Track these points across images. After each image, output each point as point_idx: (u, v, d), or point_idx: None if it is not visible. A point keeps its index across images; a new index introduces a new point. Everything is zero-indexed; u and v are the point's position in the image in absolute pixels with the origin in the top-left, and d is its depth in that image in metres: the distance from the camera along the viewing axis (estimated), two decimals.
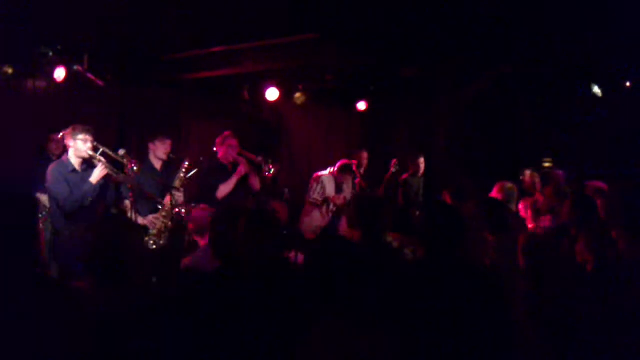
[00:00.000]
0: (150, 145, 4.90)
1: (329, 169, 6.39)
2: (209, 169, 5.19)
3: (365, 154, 7.14)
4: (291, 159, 8.48)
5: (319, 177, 6.32)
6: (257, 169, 5.38)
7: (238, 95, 7.31)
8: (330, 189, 6.26)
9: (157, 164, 4.90)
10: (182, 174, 4.87)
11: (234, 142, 5.20)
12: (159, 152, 4.86)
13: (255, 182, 5.27)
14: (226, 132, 5.32)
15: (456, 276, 2.35)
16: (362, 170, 6.96)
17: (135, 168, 4.33)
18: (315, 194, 6.26)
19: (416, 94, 7.37)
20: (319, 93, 7.80)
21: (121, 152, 4.44)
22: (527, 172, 5.93)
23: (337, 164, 6.31)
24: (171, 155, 4.93)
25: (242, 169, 5.09)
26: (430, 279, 2.36)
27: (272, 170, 5.42)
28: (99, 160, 4.28)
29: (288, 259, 6.06)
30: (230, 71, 6.27)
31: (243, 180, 5.18)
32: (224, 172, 5.17)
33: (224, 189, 5.03)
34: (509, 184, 4.38)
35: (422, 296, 2.29)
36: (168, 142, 4.91)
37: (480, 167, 7.01)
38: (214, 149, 5.32)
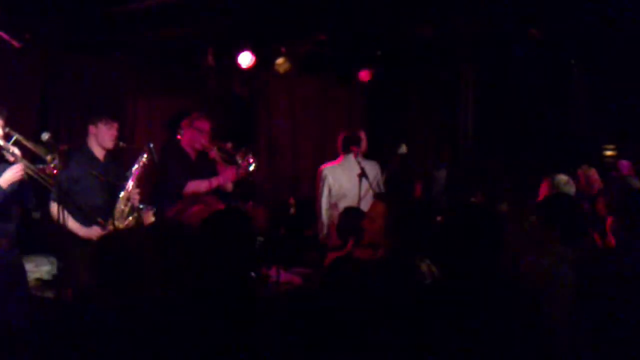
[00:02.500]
0: (92, 129, 4.91)
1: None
2: (167, 158, 5.22)
3: (362, 135, 7.17)
4: (271, 147, 8.51)
5: (322, 170, 6.07)
6: (232, 162, 5.42)
7: (200, 61, 7.33)
8: (342, 180, 5.92)
9: (100, 154, 4.92)
10: (140, 168, 4.89)
11: (205, 125, 5.24)
12: (103, 139, 4.88)
13: (229, 183, 5.33)
14: (195, 113, 5.35)
15: (494, 300, 2.41)
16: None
17: (56, 162, 4.32)
18: (322, 201, 5.94)
19: (436, 61, 7.42)
20: (309, 59, 7.83)
21: (45, 136, 4.45)
22: (580, 172, 6.01)
23: (339, 140, 6.11)
24: (121, 143, 4.95)
25: (226, 177, 5.15)
26: (457, 307, 2.41)
27: (253, 164, 5.45)
28: (13, 155, 4.25)
29: (263, 277, 6.13)
30: (189, 30, 6.28)
31: (210, 175, 5.22)
32: (186, 163, 5.20)
33: (193, 188, 5.06)
34: (563, 177, 4.40)
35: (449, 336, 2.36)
36: (115, 125, 4.93)
37: (520, 159, 7.09)
38: (176, 132, 5.37)
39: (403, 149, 6.70)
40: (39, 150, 4.37)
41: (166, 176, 5.12)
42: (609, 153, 7.51)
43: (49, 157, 4.30)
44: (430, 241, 2.93)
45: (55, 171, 4.29)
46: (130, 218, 4.90)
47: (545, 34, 6.51)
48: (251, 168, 5.44)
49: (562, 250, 3.20)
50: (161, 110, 7.39)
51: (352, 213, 4.92)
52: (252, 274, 5.91)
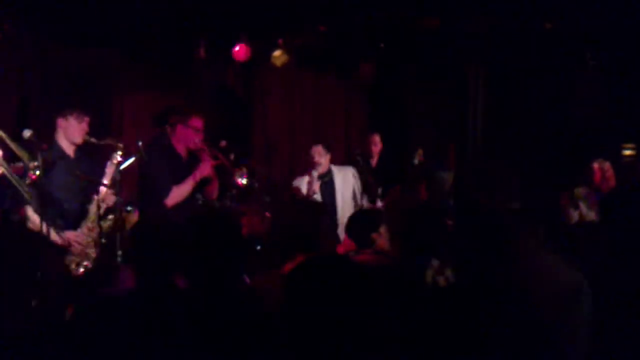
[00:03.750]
0: (61, 122, 4.80)
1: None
2: (157, 157, 5.17)
3: (376, 139, 7.18)
4: (267, 145, 8.49)
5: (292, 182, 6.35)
6: (221, 170, 5.42)
7: (191, 54, 7.31)
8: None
9: (69, 149, 4.85)
10: (113, 166, 4.85)
11: (199, 123, 5.18)
12: (73, 134, 4.80)
13: (214, 188, 5.30)
14: (187, 109, 5.30)
15: (506, 307, 2.41)
16: (374, 161, 6.98)
17: (38, 164, 4.26)
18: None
19: (443, 55, 7.41)
20: (307, 52, 7.82)
21: (27, 134, 4.41)
22: (595, 165, 5.98)
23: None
24: (91, 138, 4.87)
25: (205, 167, 5.11)
26: (468, 313, 2.40)
27: (246, 179, 5.53)
28: None
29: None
30: (179, 20, 6.26)
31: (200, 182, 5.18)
32: (177, 163, 5.16)
33: (177, 194, 4.99)
34: (582, 190, 4.45)
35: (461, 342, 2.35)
36: (86, 119, 4.86)
37: (532, 160, 7.08)
38: (163, 128, 5.33)
39: (416, 159, 6.74)
40: (22, 154, 4.31)
41: (152, 178, 5.06)
42: (627, 152, 7.50)
43: (31, 164, 4.27)
44: (443, 245, 2.94)
45: (34, 177, 4.25)
46: (108, 220, 4.86)
47: (559, 28, 6.51)
48: (244, 181, 5.52)
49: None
50: (149, 105, 7.35)
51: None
52: (247, 279, 5.89)
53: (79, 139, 4.81)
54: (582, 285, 3.11)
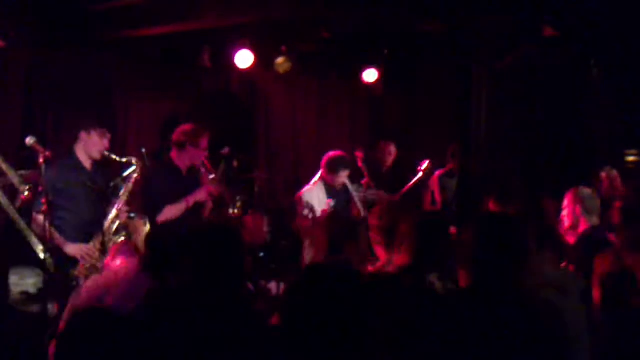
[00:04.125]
0: (83, 135, 4.80)
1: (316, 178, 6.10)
2: (156, 173, 5.17)
3: (392, 148, 7.14)
4: (270, 153, 8.51)
5: (300, 195, 5.96)
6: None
7: (196, 61, 7.34)
8: (320, 204, 5.89)
9: (87, 163, 4.87)
10: (130, 185, 4.85)
11: (205, 142, 5.18)
12: (94, 148, 4.81)
13: (206, 211, 5.33)
14: (191, 125, 5.24)
15: (509, 315, 2.41)
16: (383, 169, 6.99)
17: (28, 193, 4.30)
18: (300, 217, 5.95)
19: (447, 61, 7.42)
20: (311, 58, 7.83)
21: (30, 141, 4.43)
22: (603, 174, 6.00)
23: (323, 160, 5.98)
24: (112, 155, 4.87)
25: (201, 194, 5.13)
26: (473, 321, 2.41)
27: (238, 210, 5.63)
28: None
29: (262, 291, 6.13)
30: (185, 27, 6.29)
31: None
32: (177, 178, 5.15)
33: (169, 213, 4.96)
34: (587, 191, 4.44)
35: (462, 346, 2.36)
36: (108, 136, 4.85)
37: (536, 165, 7.07)
38: (166, 142, 5.33)
39: (427, 170, 6.66)
40: (14, 179, 4.35)
41: (149, 193, 5.08)
42: (631, 159, 7.50)
43: (22, 188, 4.29)
44: (446, 253, 2.94)
45: (24, 198, 4.29)
46: (121, 236, 4.84)
47: (562, 32, 6.51)
48: (236, 211, 5.66)
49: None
50: (153, 112, 7.39)
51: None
52: (251, 287, 5.91)
53: (97, 155, 4.81)
54: (577, 287, 3.15)
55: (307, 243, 5.90)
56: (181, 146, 5.13)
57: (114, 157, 4.82)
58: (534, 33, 6.46)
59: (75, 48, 6.54)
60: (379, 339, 2.21)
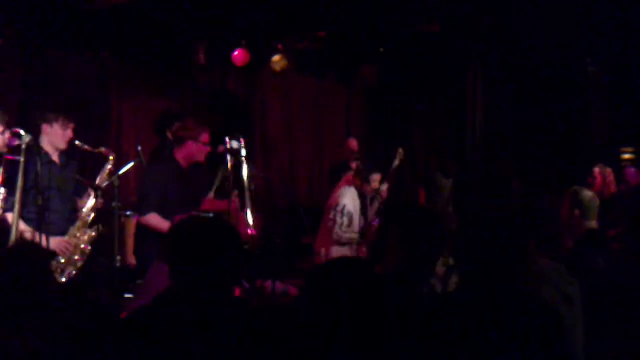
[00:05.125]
0: (45, 128, 4.80)
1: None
2: (152, 174, 5.17)
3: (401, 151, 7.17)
4: (266, 150, 8.53)
5: (340, 190, 6.07)
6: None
7: (192, 59, 7.35)
8: (351, 206, 6.02)
9: (54, 155, 4.87)
10: (104, 175, 4.88)
11: (207, 137, 5.17)
12: (57, 140, 4.81)
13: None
14: (189, 120, 5.24)
15: (510, 317, 2.43)
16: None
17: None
18: (338, 226, 5.98)
19: (443, 60, 7.45)
20: (307, 56, 7.85)
21: (26, 139, 4.44)
22: (597, 170, 6.03)
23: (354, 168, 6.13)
24: (84, 146, 4.89)
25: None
26: (473, 321, 2.42)
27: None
28: None
29: (258, 289, 6.13)
30: (181, 24, 6.30)
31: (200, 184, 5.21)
32: (177, 173, 5.16)
33: (153, 222, 4.95)
34: (588, 193, 4.44)
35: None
36: (71, 126, 4.85)
37: (532, 164, 7.10)
38: (164, 138, 5.32)
39: (397, 160, 6.66)
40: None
41: (143, 191, 5.08)
42: (626, 156, 7.54)
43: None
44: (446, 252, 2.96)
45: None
46: (99, 227, 4.86)
47: (558, 31, 6.54)
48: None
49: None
50: (149, 110, 7.40)
51: None
52: (246, 285, 5.94)
53: (63, 145, 4.81)
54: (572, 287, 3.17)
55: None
56: (180, 141, 5.09)
57: (87, 147, 4.85)
58: (530, 33, 6.50)
59: (71, 47, 6.57)
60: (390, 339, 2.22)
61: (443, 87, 7.90)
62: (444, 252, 3.17)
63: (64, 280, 4.67)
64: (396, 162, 6.50)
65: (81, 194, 4.86)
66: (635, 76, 7.38)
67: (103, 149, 4.95)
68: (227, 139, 4.95)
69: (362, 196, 6.14)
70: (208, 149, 5.15)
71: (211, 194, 5.43)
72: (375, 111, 8.81)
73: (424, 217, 3.20)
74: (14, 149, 4.46)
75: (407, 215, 3.20)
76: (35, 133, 4.74)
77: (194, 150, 5.08)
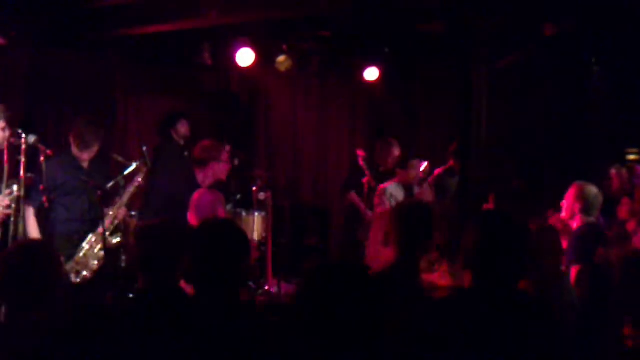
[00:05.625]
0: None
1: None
2: (163, 166, 5.19)
3: (395, 149, 7.13)
4: (270, 150, 8.54)
5: (384, 188, 6.05)
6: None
7: (196, 60, 7.37)
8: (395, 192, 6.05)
9: (84, 162, 4.93)
10: (134, 187, 4.92)
11: (226, 155, 5.17)
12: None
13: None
14: (209, 141, 5.21)
15: (511, 317, 2.45)
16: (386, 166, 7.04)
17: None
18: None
19: (447, 60, 7.44)
20: (312, 57, 7.86)
21: (31, 139, 4.49)
22: (613, 171, 6.02)
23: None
24: (119, 158, 4.93)
25: None
26: (474, 321, 2.44)
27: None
28: None
29: (263, 289, 6.14)
30: (185, 25, 6.32)
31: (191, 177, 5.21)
32: (185, 163, 5.17)
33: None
34: (592, 189, 4.45)
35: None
36: (101, 132, 4.93)
37: (536, 164, 7.10)
38: (167, 135, 5.30)
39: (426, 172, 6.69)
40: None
41: (158, 186, 5.10)
42: (632, 157, 7.53)
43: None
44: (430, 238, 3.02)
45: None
46: (117, 236, 4.89)
47: (563, 31, 6.53)
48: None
49: None
50: (154, 110, 7.42)
51: None
52: (252, 284, 5.94)
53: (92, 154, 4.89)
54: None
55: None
56: (203, 163, 5.07)
57: (120, 159, 4.90)
58: (534, 33, 6.50)
59: (77, 46, 6.59)
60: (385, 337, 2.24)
61: (447, 88, 7.88)
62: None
63: (78, 280, 4.72)
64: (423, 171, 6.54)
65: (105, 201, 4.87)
66: (639, 76, 7.38)
67: (137, 162, 4.97)
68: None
69: (406, 188, 6.15)
70: (229, 166, 5.15)
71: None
72: (378, 111, 8.80)
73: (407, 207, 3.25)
74: (14, 148, 4.49)
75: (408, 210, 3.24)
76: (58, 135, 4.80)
77: (217, 170, 5.05)
